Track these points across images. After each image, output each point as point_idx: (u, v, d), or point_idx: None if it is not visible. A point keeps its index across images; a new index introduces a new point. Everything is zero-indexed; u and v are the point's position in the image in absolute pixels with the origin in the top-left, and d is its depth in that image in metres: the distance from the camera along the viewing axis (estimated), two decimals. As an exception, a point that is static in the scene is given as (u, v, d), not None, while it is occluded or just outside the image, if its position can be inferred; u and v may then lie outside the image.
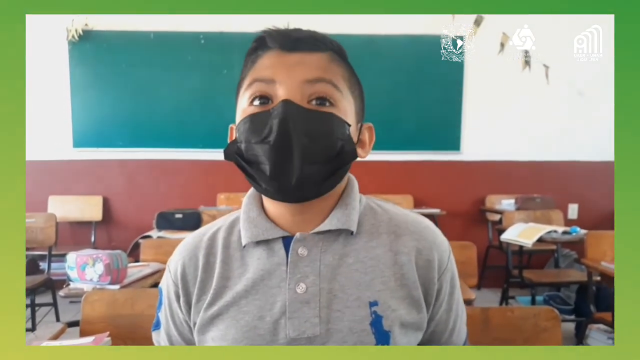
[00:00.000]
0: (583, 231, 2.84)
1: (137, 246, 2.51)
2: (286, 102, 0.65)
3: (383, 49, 4.04)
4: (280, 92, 0.67)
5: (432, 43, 4.02)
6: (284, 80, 0.67)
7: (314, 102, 0.68)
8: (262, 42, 0.71)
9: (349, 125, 0.70)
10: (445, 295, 0.76)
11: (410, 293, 0.72)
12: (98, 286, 1.93)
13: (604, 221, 4.16)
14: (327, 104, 0.68)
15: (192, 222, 3.09)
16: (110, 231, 4.19)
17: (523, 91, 4.06)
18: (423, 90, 4.10)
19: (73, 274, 1.99)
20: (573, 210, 4.30)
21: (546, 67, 3.52)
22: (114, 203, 4.19)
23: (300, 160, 0.65)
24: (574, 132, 4.21)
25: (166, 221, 3.13)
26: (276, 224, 0.73)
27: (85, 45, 3.96)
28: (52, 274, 3.04)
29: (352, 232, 0.73)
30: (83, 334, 1.37)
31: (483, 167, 4.25)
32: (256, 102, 0.69)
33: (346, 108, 0.71)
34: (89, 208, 4.08)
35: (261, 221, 0.74)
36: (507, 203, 3.86)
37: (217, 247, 0.76)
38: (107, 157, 4.12)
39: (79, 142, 4.06)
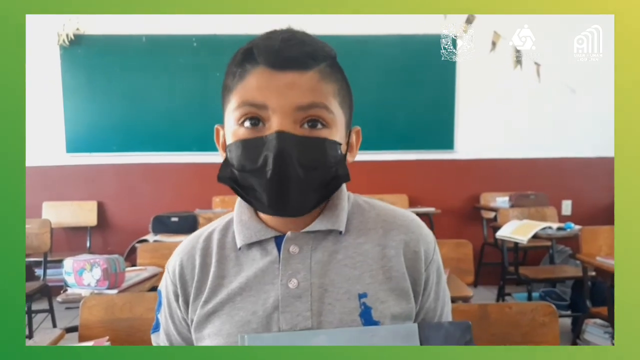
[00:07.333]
0: (577, 227, 2.86)
1: (133, 250, 2.50)
2: (280, 135, 0.65)
3: (375, 49, 4.05)
4: (273, 119, 0.66)
5: (424, 42, 4.06)
6: (276, 106, 0.66)
7: (306, 125, 0.68)
8: (250, 56, 0.68)
9: (340, 144, 0.72)
10: (432, 285, 0.79)
11: (398, 285, 0.74)
12: (96, 291, 1.92)
13: (598, 216, 4.20)
14: (319, 125, 0.68)
15: (188, 225, 3.07)
16: (106, 236, 4.17)
17: (515, 89, 4.09)
18: (416, 90, 4.11)
19: (70, 279, 1.98)
20: (567, 207, 4.33)
21: (537, 65, 3.55)
22: (109, 208, 4.18)
23: (297, 192, 0.68)
24: (566, 128, 4.24)
25: (162, 225, 3.11)
26: (267, 225, 0.76)
27: (77, 49, 3.95)
28: (47, 280, 3.03)
29: (340, 232, 0.75)
30: (82, 339, 1.37)
31: (477, 165, 4.27)
32: (247, 124, 0.68)
33: (337, 126, 0.71)
34: (83, 213, 4.07)
35: (253, 223, 0.76)
36: (501, 200, 3.88)
37: (212, 247, 0.78)
38: (100, 161, 4.10)
39: (72, 147, 4.06)
